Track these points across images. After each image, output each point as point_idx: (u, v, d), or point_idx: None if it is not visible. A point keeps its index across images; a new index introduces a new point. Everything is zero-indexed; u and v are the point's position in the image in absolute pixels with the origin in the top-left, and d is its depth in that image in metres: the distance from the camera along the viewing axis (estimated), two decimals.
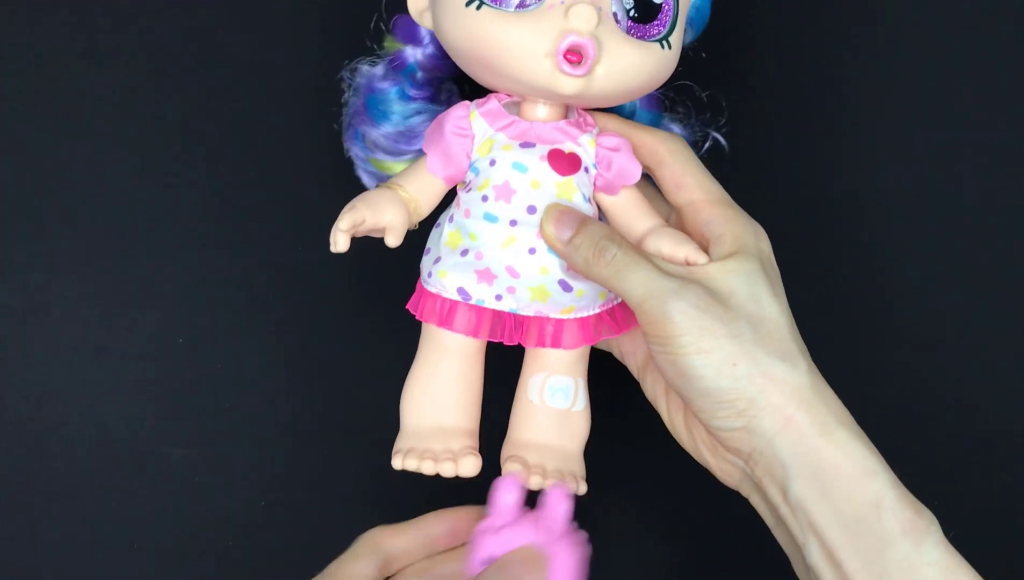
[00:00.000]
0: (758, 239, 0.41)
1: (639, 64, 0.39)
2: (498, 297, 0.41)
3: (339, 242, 0.39)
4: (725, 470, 0.41)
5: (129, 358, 0.51)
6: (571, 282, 0.41)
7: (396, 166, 0.46)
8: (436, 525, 0.44)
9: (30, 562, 0.49)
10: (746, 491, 0.41)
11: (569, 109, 0.42)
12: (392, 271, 0.51)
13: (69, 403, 0.50)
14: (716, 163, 0.45)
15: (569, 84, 0.38)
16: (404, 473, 0.42)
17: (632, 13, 0.39)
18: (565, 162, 0.40)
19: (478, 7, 0.38)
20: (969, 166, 0.53)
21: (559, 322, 0.42)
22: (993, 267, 0.53)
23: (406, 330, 0.50)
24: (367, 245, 0.52)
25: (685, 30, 0.42)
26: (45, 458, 0.50)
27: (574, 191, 0.40)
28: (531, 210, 0.40)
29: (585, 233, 0.39)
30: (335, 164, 0.52)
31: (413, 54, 0.45)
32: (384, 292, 0.52)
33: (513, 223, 0.40)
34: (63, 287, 0.51)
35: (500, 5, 0.38)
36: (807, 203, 0.53)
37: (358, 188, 0.52)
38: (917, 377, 0.52)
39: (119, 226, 0.52)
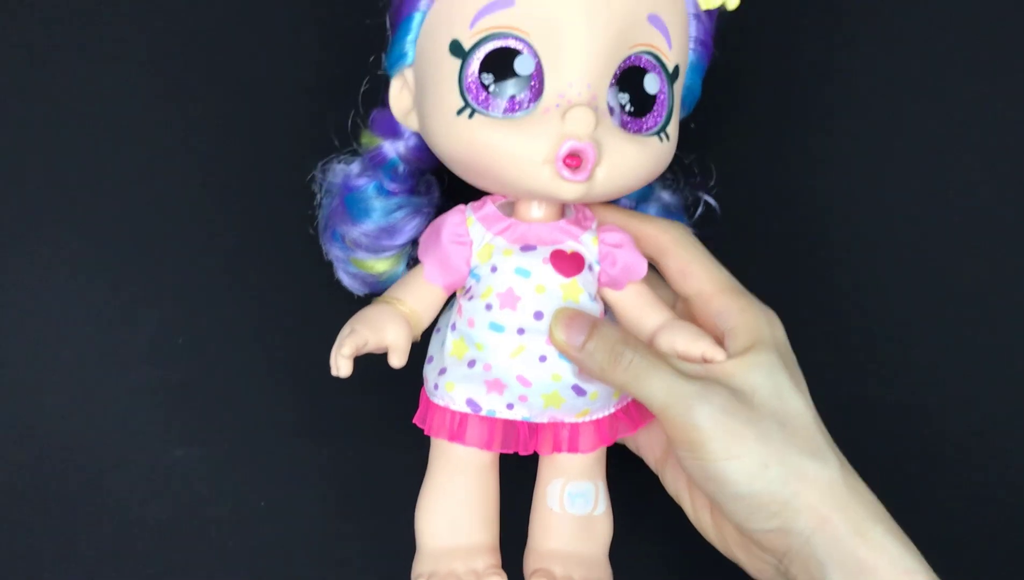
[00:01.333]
0: (772, 327, 0.40)
1: (639, 161, 0.38)
2: (509, 406, 0.39)
3: (341, 368, 0.38)
4: (757, 567, 0.40)
5: (129, 358, 0.51)
6: (585, 386, 0.39)
7: (378, 264, 0.45)
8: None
9: (30, 562, 0.49)
10: None
11: (567, 206, 0.41)
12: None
13: (69, 403, 0.50)
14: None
15: (571, 190, 0.36)
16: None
17: (628, 108, 0.38)
18: (568, 263, 0.39)
19: (470, 115, 0.37)
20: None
21: (574, 426, 0.40)
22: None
23: None
24: None
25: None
26: (45, 458, 0.50)
27: (580, 291, 0.39)
28: (538, 316, 0.38)
29: (598, 338, 0.38)
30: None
31: (394, 148, 0.43)
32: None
33: (520, 331, 0.38)
34: (63, 287, 0.51)
35: (493, 112, 0.37)
36: (797, 253, 0.52)
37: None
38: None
39: (119, 226, 0.52)
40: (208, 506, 0.49)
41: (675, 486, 0.44)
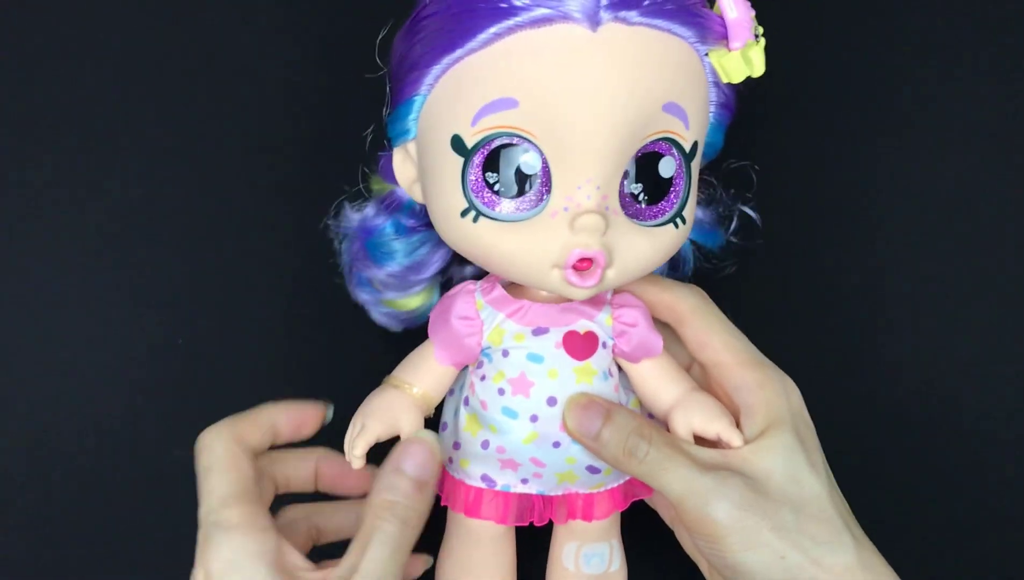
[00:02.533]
0: (789, 399, 0.39)
1: (652, 254, 0.36)
2: (524, 481, 0.39)
3: (355, 463, 0.37)
4: None
5: (129, 358, 0.51)
6: (599, 465, 0.39)
7: (411, 301, 0.44)
8: (280, 414, 0.40)
9: (30, 562, 0.49)
10: None
11: None
12: None
13: (69, 403, 0.50)
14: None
15: (579, 293, 0.35)
16: None
17: (642, 197, 0.35)
18: (582, 345, 0.38)
19: (475, 219, 0.35)
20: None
21: (588, 496, 0.40)
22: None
23: (407, 331, 0.51)
24: None
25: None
26: (45, 458, 0.50)
27: (594, 373, 0.38)
28: (551, 402, 0.37)
29: (612, 428, 0.37)
30: (338, 165, 0.52)
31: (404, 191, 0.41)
32: None
33: (534, 418, 0.38)
34: (63, 287, 0.51)
35: (499, 213, 0.35)
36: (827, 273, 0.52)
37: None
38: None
39: (119, 226, 0.52)
40: None
41: (690, 545, 0.44)
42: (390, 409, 0.38)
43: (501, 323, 0.38)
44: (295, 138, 0.53)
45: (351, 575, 0.35)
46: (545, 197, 0.35)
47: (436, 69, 0.35)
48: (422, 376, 0.39)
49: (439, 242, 0.42)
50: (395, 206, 0.42)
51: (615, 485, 0.41)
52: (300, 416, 0.40)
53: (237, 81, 0.53)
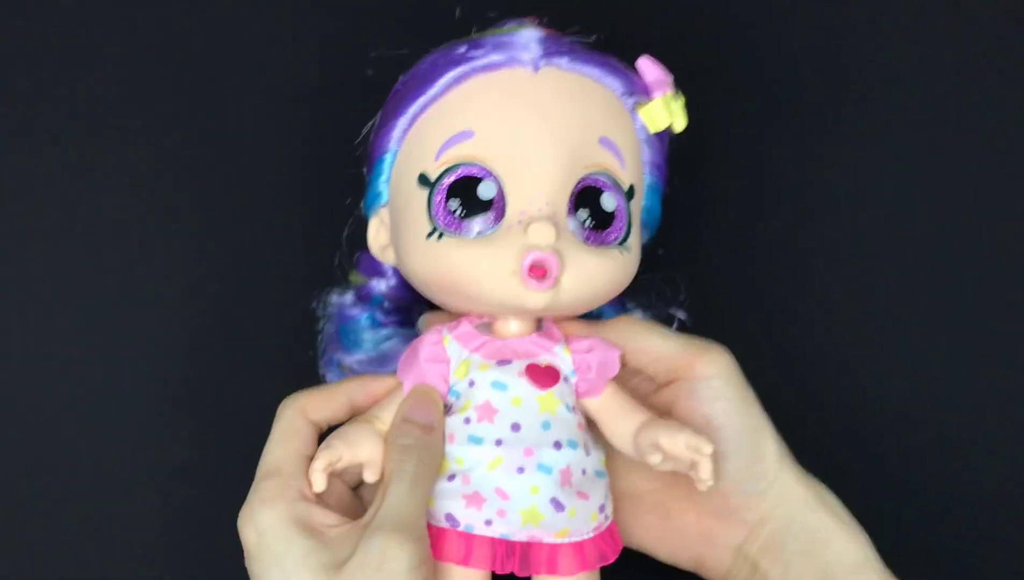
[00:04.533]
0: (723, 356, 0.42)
1: (601, 270, 0.39)
2: (488, 522, 0.39)
3: (317, 482, 0.39)
4: (720, 556, 0.42)
5: (129, 358, 0.51)
6: (563, 500, 0.39)
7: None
8: (357, 390, 0.42)
9: (30, 562, 0.49)
10: (736, 577, 0.42)
11: (539, 323, 0.42)
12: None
13: (69, 403, 0.50)
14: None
15: (537, 298, 0.38)
16: None
17: (588, 223, 0.39)
18: (543, 375, 0.40)
19: (439, 237, 0.39)
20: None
21: (553, 547, 0.39)
22: None
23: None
24: (367, 245, 0.52)
25: (640, 231, 0.43)
26: (44, 458, 0.50)
27: (556, 403, 0.39)
28: (515, 428, 0.39)
29: None
30: (337, 166, 0.52)
31: (378, 286, 0.46)
32: None
33: (499, 443, 0.39)
34: (63, 287, 0.51)
35: (461, 233, 0.39)
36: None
37: (359, 187, 0.52)
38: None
39: (119, 226, 0.52)
40: (207, 506, 0.49)
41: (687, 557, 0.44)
42: (355, 436, 0.40)
43: (467, 357, 0.40)
44: (299, 139, 0.53)
45: (374, 516, 0.37)
46: (502, 216, 0.39)
47: (403, 122, 0.41)
48: (390, 412, 0.41)
49: (406, 341, 0.45)
50: (368, 297, 0.47)
51: (583, 538, 0.40)
52: (377, 389, 0.42)
53: (240, 83, 0.53)
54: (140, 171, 0.52)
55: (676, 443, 0.38)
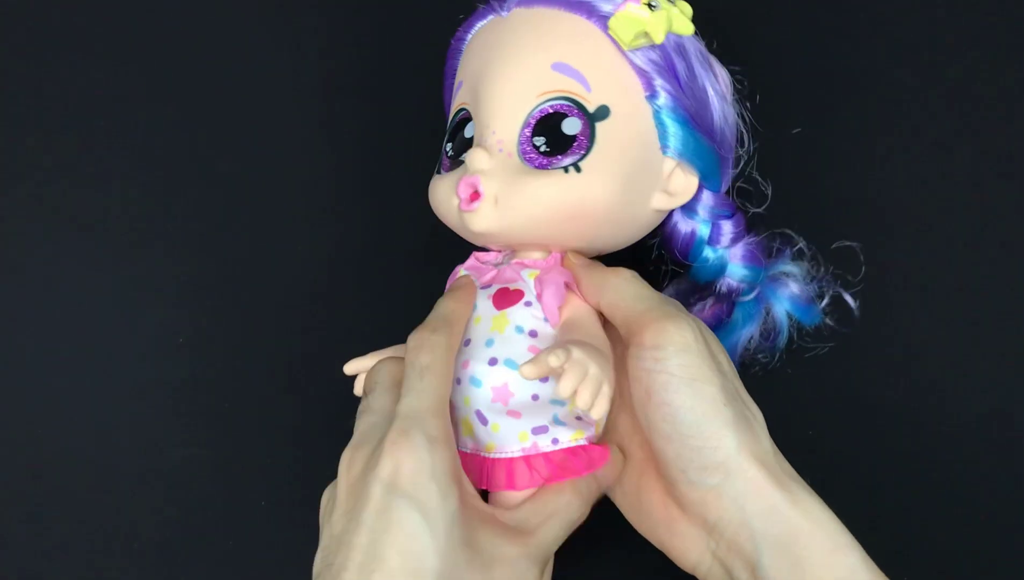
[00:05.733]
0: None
1: (539, 190, 0.39)
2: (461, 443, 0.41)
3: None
4: (684, 547, 0.39)
5: (129, 358, 0.51)
6: (487, 415, 0.40)
7: None
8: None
9: (30, 562, 0.49)
10: (704, 572, 0.39)
11: (560, 258, 0.43)
12: (394, 271, 0.51)
13: (69, 403, 0.50)
14: None
15: (475, 220, 0.40)
16: None
17: (543, 148, 0.40)
18: (504, 298, 0.41)
19: (437, 172, 0.43)
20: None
21: (488, 462, 0.40)
22: None
23: (407, 330, 0.51)
24: (366, 245, 0.52)
25: (709, 173, 0.42)
26: (45, 458, 0.50)
27: (506, 323, 0.40)
28: (465, 343, 0.41)
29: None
30: (337, 166, 0.52)
31: None
32: (384, 292, 0.52)
33: (459, 360, 0.40)
34: (63, 287, 0.51)
35: (442, 171, 0.43)
36: None
37: (357, 186, 0.53)
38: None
39: (119, 226, 0.52)
40: (208, 506, 0.49)
41: (609, 479, 0.42)
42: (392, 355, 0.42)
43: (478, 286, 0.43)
44: (298, 139, 0.53)
45: (535, 537, 0.37)
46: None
47: (449, 82, 0.46)
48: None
49: None
50: None
51: (510, 456, 0.40)
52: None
53: (240, 83, 0.53)
54: (141, 171, 0.52)
55: (544, 358, 0.36)
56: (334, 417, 0.51)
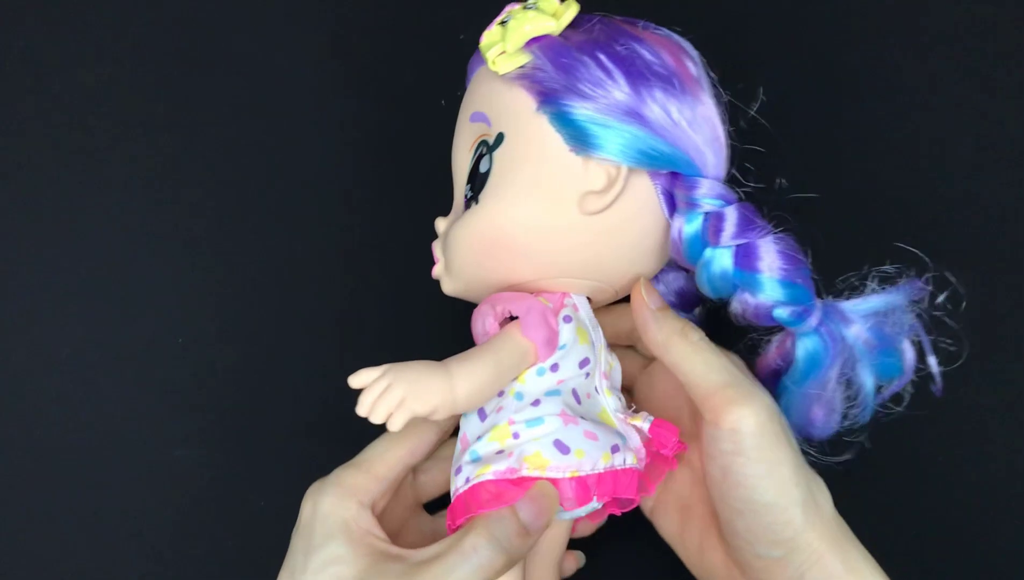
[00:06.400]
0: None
1: (453, 237, 0.41)
2: None
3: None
4: None
5: (129, 358, 0.51)
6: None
7: None
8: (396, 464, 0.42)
9: (30, 561, 0.49)
10: None
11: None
12: (395, 271, 0.51)
13: (69, 403, 0.50)
14: None
15: (442, 284, 0.42)
16: None
17: (468, 195, 0.41)
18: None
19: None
20: None
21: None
22: None
23: (407, 331, 0.50)
24: (367, 245, 0.52)
25: (649, 155, 0.38)
26: (45, 458, 0.50)
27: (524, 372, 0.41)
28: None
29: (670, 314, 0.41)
30: (337, 165, 0.52)
31: None
32: (384, 292, 0.52)
33: None
34: (63, 287, 0.51)
35: None
36: None
37: (360, 186, 0.52)
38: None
39: (119, 226, 0.52)
40: (208, 506, 0.49)
41: (672, 526, 0.44)
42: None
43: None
44: (297, 139, 0.53)
45: (430, 572, 0.36)
46: None
47: None
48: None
49: None
50: None
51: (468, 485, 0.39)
52: (415, 446, 0.43)
53: (239, 83, 0.53)
54: (140, 171, 0.52)
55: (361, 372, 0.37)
56: (334, 418, 0.51)
